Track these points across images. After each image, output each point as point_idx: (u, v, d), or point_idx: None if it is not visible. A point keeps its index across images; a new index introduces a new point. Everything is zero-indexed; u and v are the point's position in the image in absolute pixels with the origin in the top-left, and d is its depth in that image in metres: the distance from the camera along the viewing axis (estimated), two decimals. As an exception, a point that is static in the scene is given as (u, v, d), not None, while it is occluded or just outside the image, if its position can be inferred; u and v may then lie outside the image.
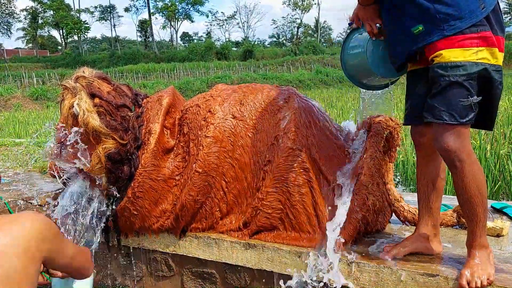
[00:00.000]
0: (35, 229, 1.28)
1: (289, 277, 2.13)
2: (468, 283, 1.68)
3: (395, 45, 1.80)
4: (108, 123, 2.28)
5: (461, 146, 1.65)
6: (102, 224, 2.45)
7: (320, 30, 67.63)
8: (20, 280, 1.19)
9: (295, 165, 2.15)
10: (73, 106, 2.26)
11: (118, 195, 2.36)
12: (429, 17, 1.62)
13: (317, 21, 64.83)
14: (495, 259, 1.84)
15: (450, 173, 1.82)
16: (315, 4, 67.99)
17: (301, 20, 67.43)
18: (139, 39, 71.27)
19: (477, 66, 1.59)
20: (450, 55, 1.60)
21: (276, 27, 73.54)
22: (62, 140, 2.37)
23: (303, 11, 65.24)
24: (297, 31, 67.87)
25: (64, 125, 2.33)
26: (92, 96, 2.29)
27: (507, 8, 59.87)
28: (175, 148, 2.42)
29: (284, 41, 71.62)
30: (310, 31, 70.02)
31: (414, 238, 1.98)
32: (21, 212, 1.37)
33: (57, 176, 2.44)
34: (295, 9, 65.40)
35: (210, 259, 2.37)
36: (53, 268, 1.43)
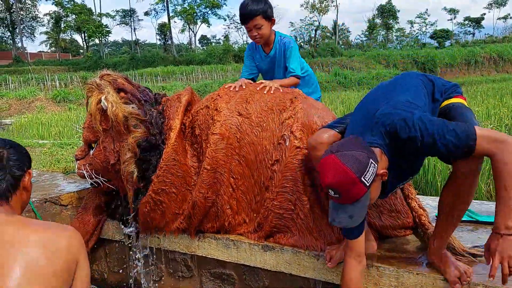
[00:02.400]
0: (76, 236, 1.48)
1: (308, 280, 2.13)
2: (459, 278, 1.73)
3: None
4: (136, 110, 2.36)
5: None
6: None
7: (338, 33, 67.20)
8: (62, 271, 1.38)
9: (303, 164, 2.16)
10: (100, 101, 2.32)
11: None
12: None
13: (335, 23, 64.40)
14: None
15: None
16: (333, 6, 67.66)
17: (319, 23, 67.18)
18: (159, 42, 72.03)
19: None
20: (458, 100, 1.92)
21: (293, 30, 73.29)
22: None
23: (321, 13, 64.98)
24: (315, 34, 67.62)
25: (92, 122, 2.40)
26: (118, 91, 2.37)
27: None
28: (190, 149, 2.46)
29: (301, 43, 71.44)
30: (328, 33, 69.65)
31: None
32: (64, 225, 1.56)
33: (87, 176, 2.49)
34: (313, 11, 65.15)
35: (228, 261, 2.38)
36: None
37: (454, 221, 1.79)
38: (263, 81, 2.65)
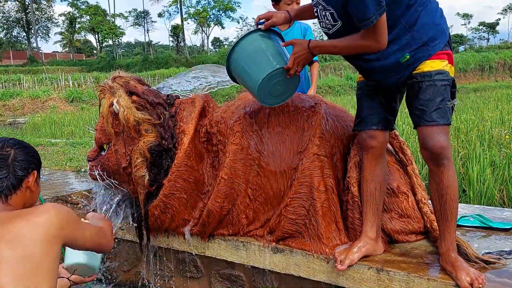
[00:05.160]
0: (53, 217, 1.43)
1: (317, 283, 2.12)
2: (471, 285, 1.70)
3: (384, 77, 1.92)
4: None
5: (449, 145, 1.79)
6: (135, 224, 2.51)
7: (351, 36, 66.91)
8: (40, 261, 1.34)
9: (319, 171, 2.15)
10: (112, 104, 2.32)
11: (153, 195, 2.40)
12: (414, 45, 1.79)
13: (348, 27, 64.18)
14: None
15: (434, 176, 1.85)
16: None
17: (332, 26, 66.96)
18: (171, 44, 72.49)
19: (450, 75, 1.84)
20: (432, 65, 1.80)
21: (306, 33, 73.11)
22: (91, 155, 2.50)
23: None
24: (328, 37, 67.44)
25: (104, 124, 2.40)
26: (130, 94, 2.36)
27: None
28: (205, 157, 2.45)
29: (314, 47, 71.31)
30: (341, 37, 69.40)
31: (364, 242, 2.02)
32: (42, 204, 1.54)
33: (99, 178, 2.48)
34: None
35: (238, 262, 2.38)
36: (74, 248, 1.62)
37: (450, 218, 1.84)
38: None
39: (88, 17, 58.20)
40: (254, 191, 2.31)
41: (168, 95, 2.59)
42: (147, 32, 71.97)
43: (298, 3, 3.25)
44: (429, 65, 1.81)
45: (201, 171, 2.42)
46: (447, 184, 1.81)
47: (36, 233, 1.38)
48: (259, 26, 2.07)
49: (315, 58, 3.27)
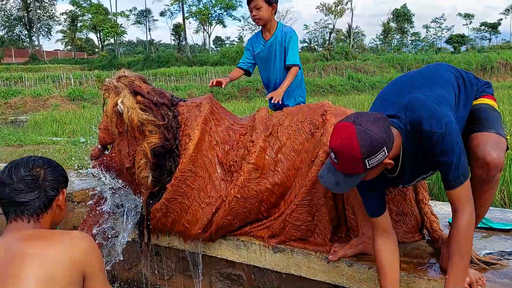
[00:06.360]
0: (83, 244, 1.47)
1: (318, 282, 2.13)
2: (470, 286, 1.70)
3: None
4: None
5: (503, 164, 1.72)
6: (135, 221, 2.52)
7: (353, 36, 66.71)
8: (64, 283, 1.36)
9: None
10: (117, 104, 2.31)
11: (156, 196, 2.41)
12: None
13: (349, 26, 64.02)
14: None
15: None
16: (347, 9, 67.11)
17: (333, 26, 66.95)
18: (173, 42, 72.44)
19: None
20: (484, 100, 1.89)
21: (308, 32, 73.10)
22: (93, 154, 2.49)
23: (336, 16, 64.74)
24: (329, 36, 67.37)
25: (108, 124, 2.40)
26: (135, 94, 2.35)
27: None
28: (218, 166, 2.43)
29: (315, 46, 71.26)
30: (342, 37, 69.29)
31: (360, 240, 2.05)
32: (73, 231, 1.57)
33: (102, 177, 2.48)
34: (328, 14, 65.02)
35: (238, 261, 2.38)
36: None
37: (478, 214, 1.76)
38: (270, 94, 2.90)
39: (90, 16, 58.15)
40: (268, 209, 2.32)
41: (172, 96, 2.57)
42: (149, 31, 71.98)
43: (258, 9, 3.02)
44: (482, 100, 1.88)
45: (207, 179, 2.40)
46: (483, 200, 1.75)
47: (64, 254, 1.41)
48: None
49: (297, 62, 3.12)
